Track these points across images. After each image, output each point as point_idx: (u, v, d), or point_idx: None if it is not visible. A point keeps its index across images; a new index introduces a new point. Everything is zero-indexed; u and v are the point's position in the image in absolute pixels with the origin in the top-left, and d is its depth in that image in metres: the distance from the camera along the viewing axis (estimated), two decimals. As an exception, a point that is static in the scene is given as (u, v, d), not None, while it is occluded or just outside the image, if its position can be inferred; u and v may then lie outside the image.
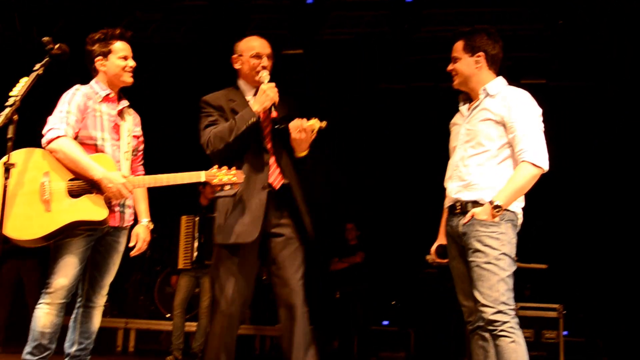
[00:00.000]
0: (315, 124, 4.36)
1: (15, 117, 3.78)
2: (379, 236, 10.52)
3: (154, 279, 9.90)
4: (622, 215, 9.82)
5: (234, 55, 4.52)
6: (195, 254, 8.00)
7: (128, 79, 4.48)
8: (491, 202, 3.86)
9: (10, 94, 3.84)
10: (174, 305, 8.09)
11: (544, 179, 4.01)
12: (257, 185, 4.35)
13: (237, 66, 4.52)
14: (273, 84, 4.37)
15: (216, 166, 4.26)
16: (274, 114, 4.34)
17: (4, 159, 3.85)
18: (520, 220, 4.04)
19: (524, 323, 4.03)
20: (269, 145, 4.41)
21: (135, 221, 4.57)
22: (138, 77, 4.55)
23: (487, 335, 3.92)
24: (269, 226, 4.36)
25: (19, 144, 3.98)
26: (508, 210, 3.93)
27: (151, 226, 4.58)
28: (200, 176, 4.24)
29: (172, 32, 10.02)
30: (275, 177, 4.38)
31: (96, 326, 4.45)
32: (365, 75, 10.37)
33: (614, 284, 9.55)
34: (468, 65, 4.13)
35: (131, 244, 4.50)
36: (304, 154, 4.48)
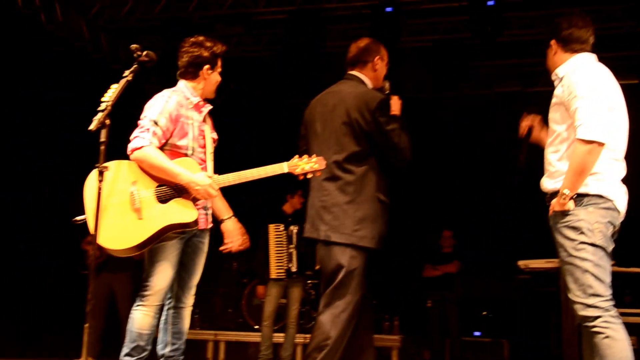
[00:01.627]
0: None
1: (108, 121, 3.86)
2: (471, 244, 10.33)
3: (242, 291, 9.94)
4: None
5: (378, 57, 4.65)
6: (295, 264, 7.95)
7: (215, 94, 4.58)
8: (559, 191, 3.73)
9: (102, 99, 3.92)
10: (264, 316, 8.03)
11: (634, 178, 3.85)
12: None
13: (377, 67, 4.65)
14: None
15: (297, 156, 4.31)
16: None
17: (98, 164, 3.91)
18: (613, 202, 3.79)
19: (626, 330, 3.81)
20: None
21: (215, 222, 4.60)
22: (221, 91, 4.62)
23: None
24: None
25: (111, 150, 4.03)
26: (586, 195, 3.74)
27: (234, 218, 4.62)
28: (282, 167, 4.29)
29: (252, 45, 10.12)
30: None
31: (187, 326, 4.48)
32: (446, 81, 10.23)
33: None
34: (548, 58, 4.13)
35: (226, 241, 4.55)
36: None
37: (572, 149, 3.74)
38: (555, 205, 3.75)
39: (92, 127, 3.79)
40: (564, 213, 3.74)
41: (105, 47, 9.86)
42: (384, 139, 4.36)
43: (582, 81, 3.78)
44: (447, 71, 10.00)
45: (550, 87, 9.98)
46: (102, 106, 3.87)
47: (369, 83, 4.62)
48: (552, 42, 4.06)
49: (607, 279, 3.70)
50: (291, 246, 7.98)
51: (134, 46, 4.17)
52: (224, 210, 4.59)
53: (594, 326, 3.62)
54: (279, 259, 7.99)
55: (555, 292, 6.53)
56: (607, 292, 3.67)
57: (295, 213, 8.06)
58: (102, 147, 3.85)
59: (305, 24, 9.31)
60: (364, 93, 4.48)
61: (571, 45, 4.02)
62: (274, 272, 7.98)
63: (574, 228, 3.71)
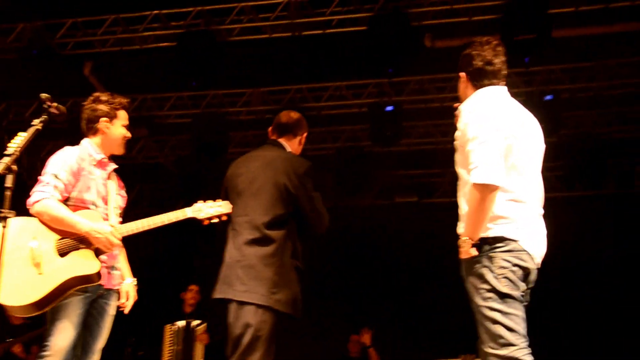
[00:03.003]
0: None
1: (15, 167, 3.68)
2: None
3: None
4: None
5: (305, 134, 4.78)
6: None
7: (123, 149, 4.46)
8: (460, 238, 3.61)
9: (9, 145, 3.80)
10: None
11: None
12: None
13: (302, 142, 4.76)
14: None
15: (201, 200, 4.24)
16: None
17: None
18: (518, 242, 3.57)
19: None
20: None
21: None
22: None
23: None
24: None
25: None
26: (487, 240, 3.55)
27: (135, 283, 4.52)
28: (185, 213, 4.20)
29: (156, 150, 10.17)
30: None
31: None
32: (347, 190, 10.41)
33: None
34: (459, 90, 3.93)
35: (122, 300, 4.40)
36: None
37: (469, 193, 3.58)
38: (460, 253, 3.61)
39: None
40: (469, 261, 3.59)
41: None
42: (308, 203, 4.39)
43: (475, 121, 3.58)
44: (348, 180, 10.20)
45: (446, 198, 10.16)
46: (10, 151, 3.71)
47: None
48: (462, 75, 3.85)
49: (519, 326, 3.51)
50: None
51: (43, 96, 4.04)
52: (127, 272, 4.48)
53: None
54: (170, 358, 7.87)
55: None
56: (520, 340, 3.48)
57: (192, 311, 8.08)
58: (8, 193, 3.64)
59: (208, 128, 9.44)
60: (292, 157, 4.56)
61: (481, 80, 3.80)
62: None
63: (479, 276, 3.54)
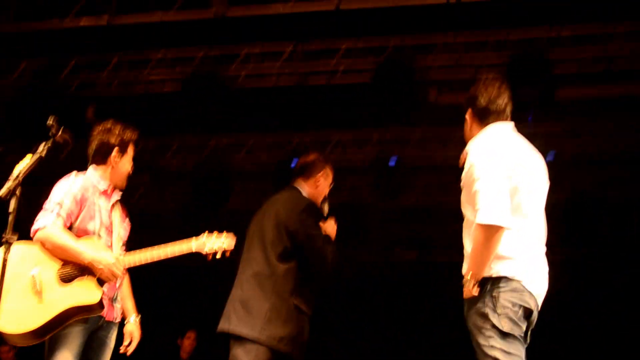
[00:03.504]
0: None
1: (18, 191, 3.67)
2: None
3: None
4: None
5: (322, 174, 4.77)
6: None
7: (125, 183, 4.46)
8: (464, 277, 3.61)
9: (15, 168, 3.75)
10: None
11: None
12: None
13: (318, 184, 4.74)
14: None
15: (206, 232, 4.26)
16: None
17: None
18: (521, 282, 3.56)
19: None
20: None
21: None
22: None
23: None
24: None
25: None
26: (490, 279, 3.54)
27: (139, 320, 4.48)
28: (190, 246, 4.20)
29: (156, 198, 10.10)
30: None
31: None
32: (345, 245, 10.31)
33: None
34: (465, 130, 3.93)
35: (125, 342, 4.38)
36: None
37: (473, 233, 3.57)
38: (464, 292, 3.61)
39: (1, 193, 3.62)
40: (472, 300, 3.59)
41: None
42: (307, 241, 4.40)
43: (482, 161, 3.58)
44: (348, 234, 10.10)
45: (444, 257, 9.99)
46: (14, 174, 3.71)
47: (307, 196, 4.70)
48: (468, 113, 3.87)
49: None
50: None
51: (50, 122, 3.96)
52: (131, 310, 4.46)
53: None
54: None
55: None
56: None
57: (189, 357, 8.02)
58: (11, 218, 3.62)
59: (210, 177, 9.38)
60: (295, 196, 4.62)
61: (487, 119, 3.80)
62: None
63: (481, 315, 3.54)
